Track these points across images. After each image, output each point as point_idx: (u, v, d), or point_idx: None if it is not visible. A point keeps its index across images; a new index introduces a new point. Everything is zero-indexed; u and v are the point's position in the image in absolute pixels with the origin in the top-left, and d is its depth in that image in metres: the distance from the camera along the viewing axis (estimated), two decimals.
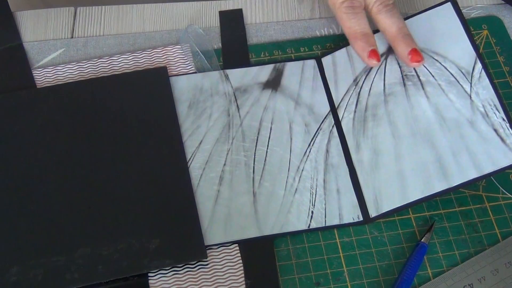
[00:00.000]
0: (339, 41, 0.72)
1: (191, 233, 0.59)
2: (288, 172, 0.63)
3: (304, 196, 0.62)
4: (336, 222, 0.61)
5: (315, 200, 0.62)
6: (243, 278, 0.58)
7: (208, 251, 0.59)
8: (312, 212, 0.61)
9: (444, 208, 0.62)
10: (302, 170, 0.64)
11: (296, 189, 0.62)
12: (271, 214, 0.61)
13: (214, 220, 0.61)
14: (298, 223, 0.61)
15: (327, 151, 0.65)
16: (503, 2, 0.75)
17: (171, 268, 0.58)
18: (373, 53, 0.64)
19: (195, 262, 0.59)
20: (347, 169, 0.64)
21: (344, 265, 0.59)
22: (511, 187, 0.63)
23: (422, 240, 0.59)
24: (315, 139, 0.65)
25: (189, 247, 0.59)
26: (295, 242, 0.60)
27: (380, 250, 0.60)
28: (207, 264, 0.59)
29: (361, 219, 0.61)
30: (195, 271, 0.58)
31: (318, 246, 0.60)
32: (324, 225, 0.61)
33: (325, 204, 0.62)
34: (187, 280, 0.58)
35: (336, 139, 0.65)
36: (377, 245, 0.60)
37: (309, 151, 0.65)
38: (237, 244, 0.60)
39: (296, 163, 0.64)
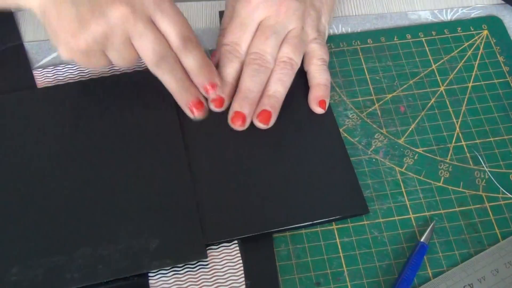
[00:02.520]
0: (339, 41, 0.72)
1: (191, 233, 0.59)
2: None
3: None
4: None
5: None
6: (243, 278, 0.58)
7: (208, 251, 0.59)
8: None
9: (444, 208, 0.62)
10: None
11: None
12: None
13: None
14: None
15: None
16: (503, 2, 0.75)
17: (171, 268, 0.58)
18: (217, 99, 0.64)
19: (195, 262, 0.59)
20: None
21: (344, 265, 0.59)
22: (511, 187, 0.63)
23: (422, 240, 0.59)
24: None
25: (189, 247, 0.59)
26: (295, 242, 0.60)
27: (380, 250, 0.60)
28: (207, 264, 0.59)
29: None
30: (195, 271, 0.58)
31: (318, 246, 0.60)
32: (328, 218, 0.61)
33: None
34: (187, 280, 0.58)
35: None
36: (377, 245, 0.60)
37: None
38: (237, 244, 0.60)
39: None
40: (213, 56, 0.68)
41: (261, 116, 0.64)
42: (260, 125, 0.64)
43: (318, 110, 0.66)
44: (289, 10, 0.65)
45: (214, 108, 0.64)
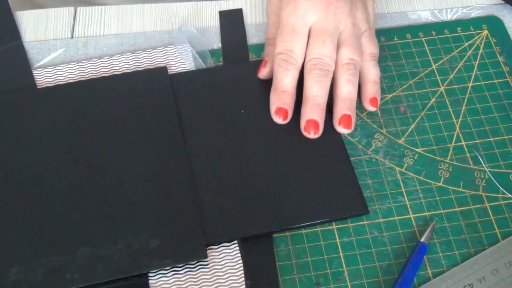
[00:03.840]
0: None
1: (191, 233, 0.59)
2: None
3: None
4: None
5: None
6: (243, 278, 0.58)
7: (208, 251, 0.59)
8: None
9: (444, 208, 0.62)
10: None
11: None
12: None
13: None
14: None
15: None
16: (503, 2, 0.75)
17: (171, 268, 0.58)
18: (280, 110, 0.64)
19: (195, 262, 0.59)
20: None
21: (344, 265, 0.59)
22: (511, 187, 0.63)
23: (422, 240, 0.59)
24: None
25: (189, 247, 0.59)
26: (295, 242, 0.60)
27: (380, 250, 0.60)
28: (207, 264, 0.59)
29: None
30: (195, 271, 0.58)
31: (318, 246, 0.60)
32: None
33: None
34: (187, 280, 0.58)
35: None
36: (377, 245, 0.60)
37: None
38: (237, 244, 0.60)
39: None
40: (262, 66, 0.67)
41: (344, 122, 0.64)
42: (344, 130, 0.64)
43: (370, 108, 0.66)
44: (338, 10, 0.65)
45: (279, 121, 0.65)
